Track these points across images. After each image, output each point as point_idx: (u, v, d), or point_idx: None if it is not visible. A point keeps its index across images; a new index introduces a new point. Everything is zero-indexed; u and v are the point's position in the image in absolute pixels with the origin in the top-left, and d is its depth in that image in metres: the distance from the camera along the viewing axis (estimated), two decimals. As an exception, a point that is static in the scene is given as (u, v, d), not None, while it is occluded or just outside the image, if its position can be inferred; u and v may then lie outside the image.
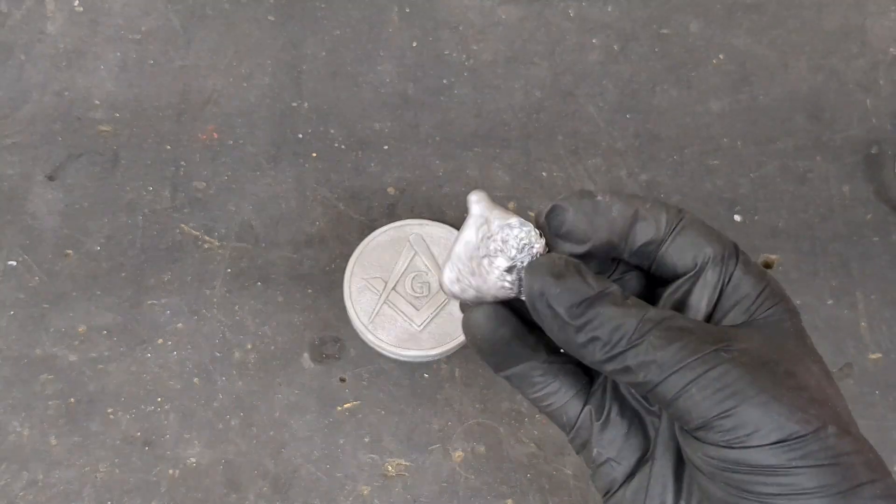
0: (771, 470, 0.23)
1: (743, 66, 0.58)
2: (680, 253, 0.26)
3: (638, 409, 0.28)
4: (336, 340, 0.48)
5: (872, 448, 0.26)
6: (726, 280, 0.26)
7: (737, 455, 0.23)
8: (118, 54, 0.57)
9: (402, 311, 0.47)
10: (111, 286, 0.49)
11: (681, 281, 0.27)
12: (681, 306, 0.26)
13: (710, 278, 0.26)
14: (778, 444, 0.23)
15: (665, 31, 0.59)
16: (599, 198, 0.26)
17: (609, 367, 0.24)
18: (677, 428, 0.26)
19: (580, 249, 0.26)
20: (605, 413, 0.28)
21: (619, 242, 0.26)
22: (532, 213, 0.30)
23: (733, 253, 0.26)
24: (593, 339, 0.24)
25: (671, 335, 0.24)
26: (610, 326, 0.24)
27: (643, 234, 0.26)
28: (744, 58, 0.58)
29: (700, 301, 0.26)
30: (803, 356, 0.25)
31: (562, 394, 0.28)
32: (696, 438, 0.24)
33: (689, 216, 0.27)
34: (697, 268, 0.26)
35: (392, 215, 0.52)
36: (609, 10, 0.60)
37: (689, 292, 0.26)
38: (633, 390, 0.28)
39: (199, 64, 0.57)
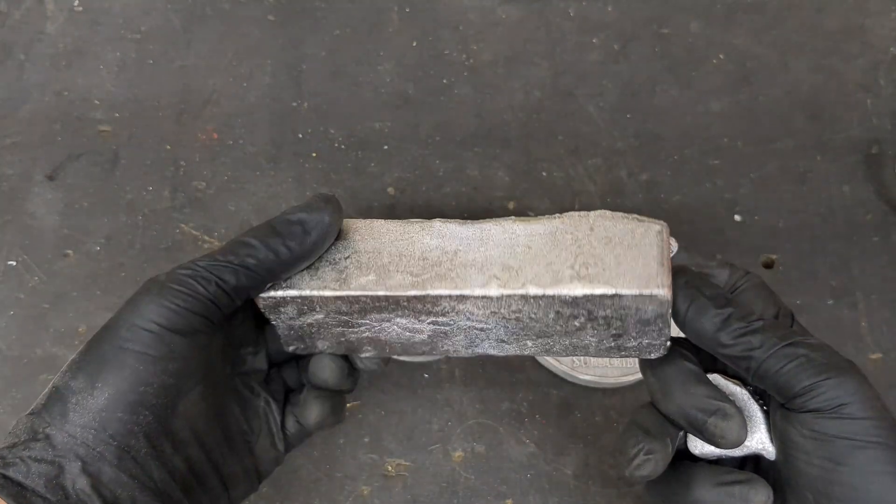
0: (856, 441, 0.28)
1: (743, 66, 0.58)
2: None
3: None
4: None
5: None
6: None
7: (833, 424, 0.28)
8: (118, 54, 0.57)
9: (402, 311, 0.47)
10: (111, 286, 0.49)
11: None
12: None
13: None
14: (868, 419, 0.28)
15: (665, 30, 0.59)
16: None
17: (727, 339, 0.30)
18: (779, 415, 0.31)
19: None
20: None
21: None
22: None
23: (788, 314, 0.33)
24: (722, 314, 0.30)
25: (778, 325, 0.31)
26: (740, 310, 0.31)
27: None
28: (744, 58, 0.58)
29: None
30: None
31: None
32: (798, 409, 0.29)
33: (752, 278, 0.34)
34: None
35: (392, 215, 0.52)
36: (609, 10, 0.60)
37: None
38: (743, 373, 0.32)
39: (199, 64, 0.57)
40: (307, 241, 0.33)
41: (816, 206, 0.53)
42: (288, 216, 0.33)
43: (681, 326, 0.32)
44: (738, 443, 0.31)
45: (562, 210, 0.52)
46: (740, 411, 0.31)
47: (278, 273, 0.33)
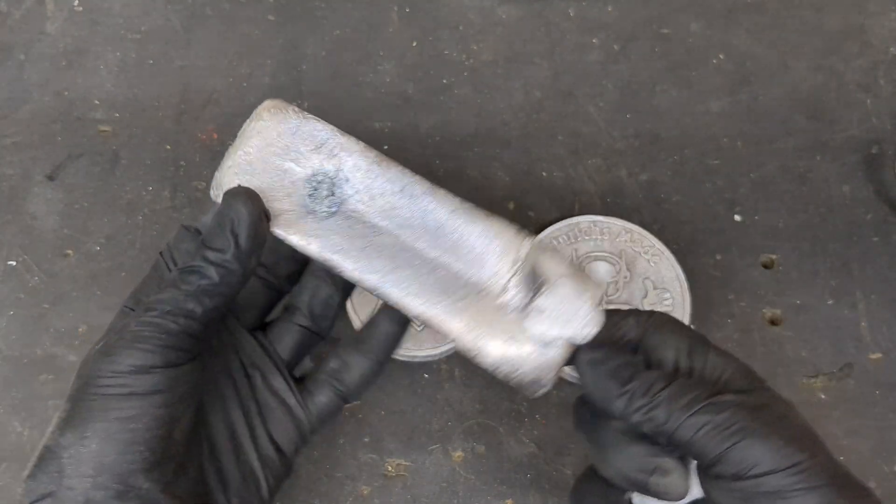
0: (779, 494, 0.28)
1: (743, 66, 0.58)
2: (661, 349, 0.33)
3: None
4: (336, 341, 0.48)
5: (854, 475, 0.31)
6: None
7: (751, 484, 0.28)
8: (118, 54, 0.57)
9: (402, 311, 0.47)
10: (111, 286, 0.49)
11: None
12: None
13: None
14: (783, 471, 0.28)
15: (665, 31, 0.59)
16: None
17: (636, 418, 0.31)
18: (700, 474, 0.31)
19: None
20: None
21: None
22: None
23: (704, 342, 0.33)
24: (626, 393, 0.31)
25: (683, 389, 0.30)
26: (642, 384, 0.31)
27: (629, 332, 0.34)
28: (744, 58, 0.58)
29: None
30: (789, 405, 0.31)
31: None
32: (715, 476, 0.30)
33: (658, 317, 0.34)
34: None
35: (392, 215, 0.52)
36: (609, 10, 0.60)
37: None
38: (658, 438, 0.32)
39: (199, 64, 0.57)
40: (242, 238, 0.33)
41: (816, 206, 0.53)
42: (210, 227, 0.34)
43: (596, 409, 0.33)
44: (683, 496, 0.31)
45: (561, 210, 0.52)
46: (679, 463, 0.31)
47: (236, 283, 0.33)
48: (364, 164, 0.35)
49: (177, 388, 0.32)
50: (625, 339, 0.33)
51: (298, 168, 0.35)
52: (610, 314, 0.34)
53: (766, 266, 0.51)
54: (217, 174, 0.36)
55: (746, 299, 0.50)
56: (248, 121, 0.36)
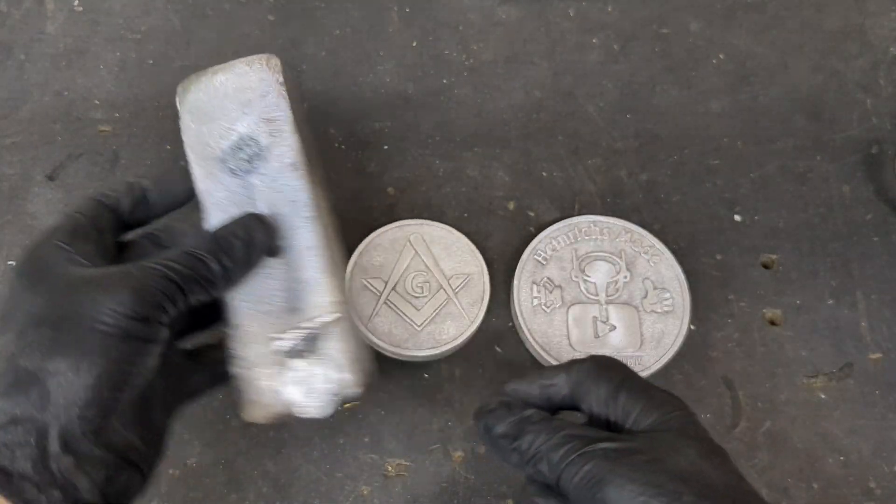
0: None
1: (743, 65, 0.58)
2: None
3: None
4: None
5: None
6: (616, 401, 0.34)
7: None
8: (118, 54, 0.57)
9: (401, 312, 0.47)
10: (111, 286, 0.49)
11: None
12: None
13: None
14: None
15: (665, 30, 0.59)
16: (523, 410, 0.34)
17: (528, 471, 0.33)
18: None
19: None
20: None
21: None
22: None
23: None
24: (515, 450, 0.33)
25: (563, 440, 0.31)
26: (528, 440, 0.32)
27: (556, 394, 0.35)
28: (744, 58, 0.58)
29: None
30: (683, 446, 0.31)
31: None
32: None
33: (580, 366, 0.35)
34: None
35: (392, 215, 0.52)
36: (609, 10, 0.60)
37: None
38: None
39: (199, 64, 0.57)
40: (247, 264, 0.36)
41: (816, 206, 0.53)
42: (225, 235, 0.36)
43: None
44: None
45: (561, 210, 0.52)
46: None
47: (223, 288, 0.35)
48: (288, 160, 0.37)
49: (161, 345, 0.33)
50: (559, 395, 0.35)
51: (242, 124, 0.38)
52: (543, 373, 0.36)
53: (766, 266, 0.51)
54: (192, 76, 0.39)
55: (746, 299, 0.50)
56: (244, 59, 0.38)
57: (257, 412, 0.37)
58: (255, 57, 0.38)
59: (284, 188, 0.37)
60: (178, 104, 0.38)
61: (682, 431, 0.32)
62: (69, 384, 0.30)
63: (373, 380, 0.37)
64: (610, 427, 0.33)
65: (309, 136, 0.40)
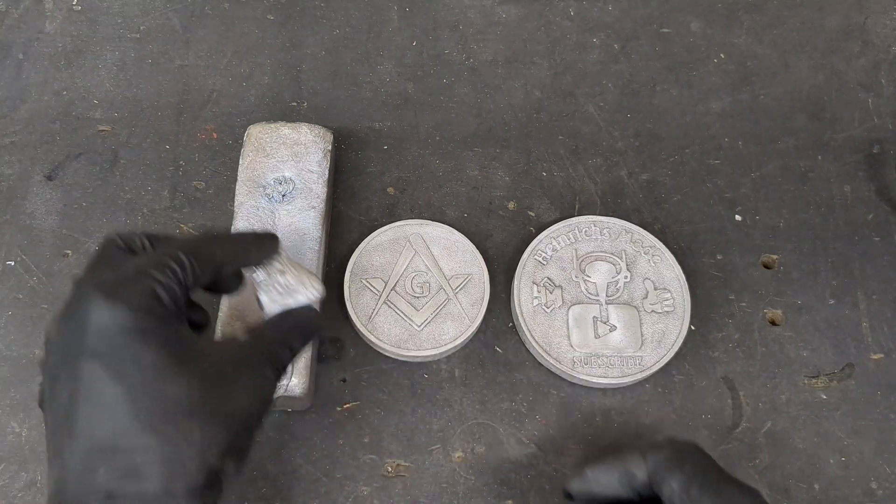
0: None
1: (743, 65, 0.57)
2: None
3: None
4: (335, 341, 0.48)
5: None
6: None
7: None
8: (117, 54, 0.57)
9: (401, 311, 0.47)
10: (110, 286, 0.49)
11: None
12: None
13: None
14: None
15: (665, 30, 0.59)
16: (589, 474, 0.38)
17: None
18: None
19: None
20: None
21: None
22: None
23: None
24: None
25: None
26: None
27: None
28: (744, 57, 0.58)
29: None
30: None
31: None
32: None
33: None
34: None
35: (392, 215, 0.52)
36: (609, 9, 0.59)
37: None
38: None
39: (198, 64, 0.57)
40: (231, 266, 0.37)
41: (817, 206, 0.53)
42: (244, 243, 0.38)
43: None
44: None
45: (562, 210, 0.52)
46: None
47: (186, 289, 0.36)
48: (312, 204, 0.48)
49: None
50: (638, 483, 0.36)
51: (288, 167, 0.49)
52: (621, 455, 0.37)
53: (766, 266, 0.51)
54: (262, 123, 0.50)
55: (747, 299, 0.49)
56: (308, 124, 0.50)
57: None
58: (316, 126, 0.50)
59: (301, 222, 0.47)
60: (244, 137, 0.49)
61: None
62: (220, 485, 0.32)
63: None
64: None
65: (331, 190, 0.50)
